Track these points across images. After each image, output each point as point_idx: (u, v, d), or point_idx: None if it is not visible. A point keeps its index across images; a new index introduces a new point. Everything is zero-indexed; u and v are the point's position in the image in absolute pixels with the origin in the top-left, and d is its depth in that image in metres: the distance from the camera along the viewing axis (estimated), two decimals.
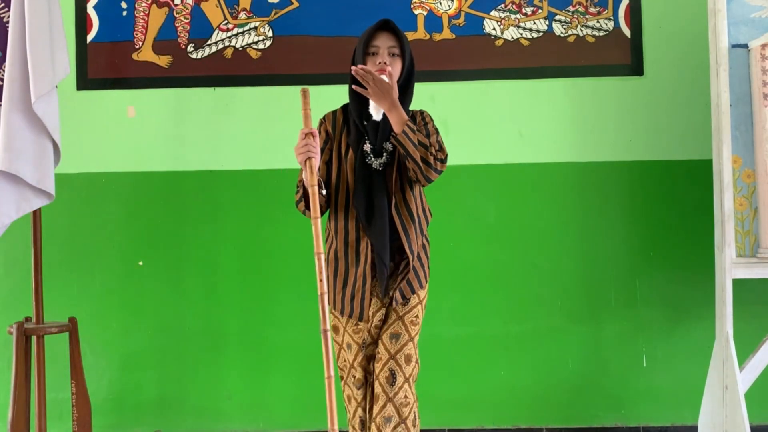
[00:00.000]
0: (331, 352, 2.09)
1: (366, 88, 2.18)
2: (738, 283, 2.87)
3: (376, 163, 2.26)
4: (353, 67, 2.16)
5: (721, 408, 2.82)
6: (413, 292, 2.28)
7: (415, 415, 2.24)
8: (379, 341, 2.25)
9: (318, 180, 2.18)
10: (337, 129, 2.33)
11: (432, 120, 2.35)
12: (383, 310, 2.28)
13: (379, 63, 2.22)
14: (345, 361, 2.34)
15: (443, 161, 2.25)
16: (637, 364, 3.30)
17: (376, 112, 2.23)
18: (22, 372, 2.85)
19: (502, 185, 3.29)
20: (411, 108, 2.34)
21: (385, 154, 2.27)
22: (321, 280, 2.11)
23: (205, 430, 3.32)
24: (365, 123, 2.27)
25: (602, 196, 3.31)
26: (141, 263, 3.33)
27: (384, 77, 2.17)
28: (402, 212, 2.27)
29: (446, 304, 3.23)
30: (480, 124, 3.30)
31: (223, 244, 3.32)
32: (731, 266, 2.79)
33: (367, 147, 2.26)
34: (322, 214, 2.23)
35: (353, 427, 2.30)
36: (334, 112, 2.36)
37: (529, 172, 3.31)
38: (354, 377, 2.31)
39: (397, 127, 2.18)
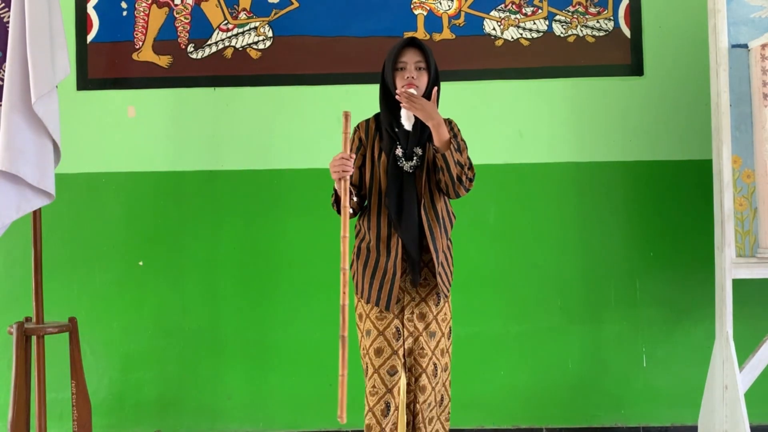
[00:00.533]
0: (347, 356, 2.29)
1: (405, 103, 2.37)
2: (738, 283, 2.87)
3: (407, 165, 2.43)
4: (398, 91, 2.36)
5: (721, 408, 2.82)
6: (447, 288, 2.46)
7: (448, 397, 2.51)
8: (421, 338, 2.42)
9: (349, 189, 2.38)
10: (370, 135, 2.51)
11: (459, 131, 2.53)
12: (412, 304, 2.44)
13: (407, 78, 2.40)
14: (364, 348, 2.44)
15: (472, 180, 2.47)
16: (637, 364, 3.30)
17: (408, 122, 2.41)
18: (22, 372, 2.85)
19: (502, 185, 3.29)
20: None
21: (415, 157, 2.44)
22: (344, 293, 2.31)
23: (205, 430, 3.32)
24: (396, 130, 2.44)
25: (602, 196, 3.31)
26: (141, 263, 3.33)
27: (413, 90, 2.37)
28: (429, 212, 2.44)
29: None
30: (480, 124, 3.30)
31: (223, 244, 3.32)
32: (731, 266, 2.78)
33: (399, 151, 2.44)
34: (353, 216, 2.45)
35: (373, 414, 2.38)
36: (367, 121, 2.54)
37: (529, 172, 3.31)
38: (372, 365, 2.40)
39: (440, 144, 2.36)
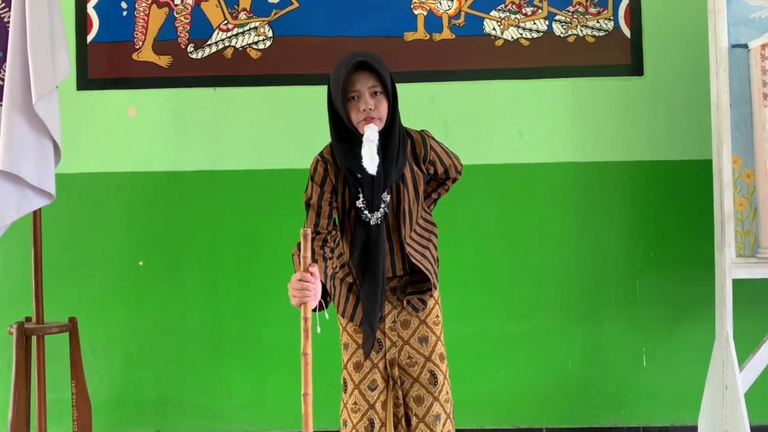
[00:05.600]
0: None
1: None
2: (738, 283, 2.87)
3: (372, 218, 2.14)
4: None
5: (721, 408, 2.82)
6: (424, 304, 2.28)
7: (452, 409, 2.29)
8: (406, 347, 2.24)
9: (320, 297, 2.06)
10: (340, 182, 2.17)
11: (435, 139, 2.25)
12: (394, 312, 2.26)
13: (363, 109, 2.07)
14: (343, 362, 2.30)
15: (460, 172, 2.31)
16: (637, 364, 3.30)
17: (372, 164, 2.04)
18: (22, 372, 2.85)
19: (502, 185, 3.29)
20: (406, 126, 2.23)
21: (383, 207, 2.14)
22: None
23: (205, 430, 3.32)
24: (359, 176, 2.10)
25: (602, 196, 3.31)
26: (141, 263, 3.33)
27: (374, 126, 2.05)
28: (414, 255, 2.20)
29: (446, 304, 3.21)
30: (480, 124, 3.30)
31: (223, 244, 3.32)
32: (731, 266, 2.78)
33: (361, 203, 2.13)
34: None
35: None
36: (335, 162, 2.17)
37: (529, 172, 3.31)
38: (352, 381, 2.24)
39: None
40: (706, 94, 3.05)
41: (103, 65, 3.34)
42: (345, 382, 2.26)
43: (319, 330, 2.10)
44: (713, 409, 2.86)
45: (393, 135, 2.12)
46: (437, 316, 2.30)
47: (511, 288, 3.30)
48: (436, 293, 2.32)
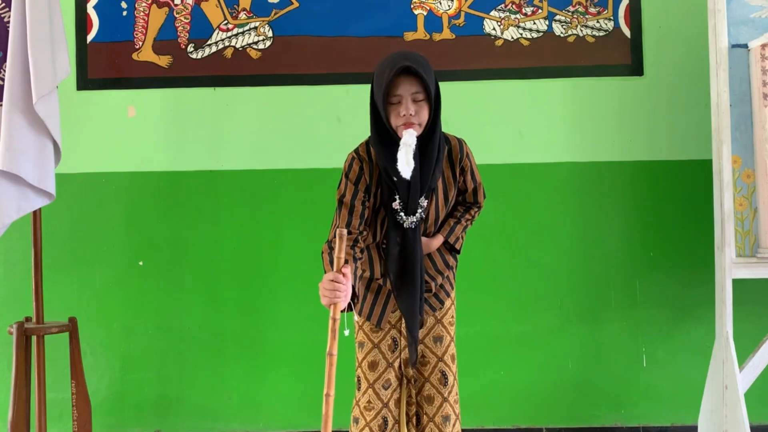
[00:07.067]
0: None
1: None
2: (738, 283, 2.87)
3: (407, 221, 2.15)
4: None
5: (721, 408, 2.82)
6: (441, 303, 2.30)
7: (459, 409, 2.32)
8: (420, 345, 2.25)
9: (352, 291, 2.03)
10: (374, 182, 2.15)
11: (472, 155, 2.28)
12: None
13: (404, 114, 2.06)
14: (357, 360, 2.30)
15: (482, 202, 2.36)
16: (637, 364, 3.30)
17: (407, 169, 2.03)
18: (22, 372, 2.85)
19: (502, 185, 3.28)
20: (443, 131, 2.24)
21: (419, 211, 2.14)
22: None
23: (205, 430, 3.32)
24: (395, 179, 2.09)
25: (602, 196, 3.31)
26: (141, 263, 3.33)
27: (412, 131, 2.05)
28: (436, 263, 2.26)
29: None
30: (480, 124, 3.30)
31: (223, 244, 3.32)
32: (731, 266, 2.79)
33: (397, 204, 2.13)
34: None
35: (371, 430, 2.24)
36: (370, 161, 2.15)
37: (529, 172, 3.31)
38: (366, 378, 2.26)
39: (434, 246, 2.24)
40: (706, 94, 3.05)
41: (103, 65, 3.34)
42: (359, 380, 2.27)
43: (347, 332, 2.09)
44: (713, 409, 2.86)
45: (432, 141, 2.13)
46: (452, 316, 2.31)
47: (511, 288, 3.30)
48: (452, 294, 2.34)
